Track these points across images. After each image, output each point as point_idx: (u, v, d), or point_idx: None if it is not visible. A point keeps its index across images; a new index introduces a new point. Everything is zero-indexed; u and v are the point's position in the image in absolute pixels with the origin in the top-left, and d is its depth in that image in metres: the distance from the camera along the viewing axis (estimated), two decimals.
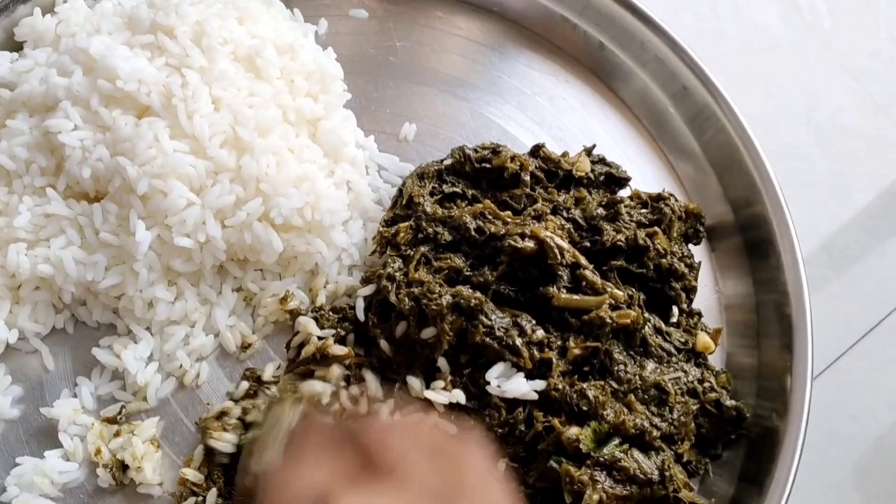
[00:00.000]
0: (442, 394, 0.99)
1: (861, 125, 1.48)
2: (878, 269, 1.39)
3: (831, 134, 1.46)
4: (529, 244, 1.03)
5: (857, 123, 1.48)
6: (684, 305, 1.10)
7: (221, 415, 1.01)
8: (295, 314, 1.07)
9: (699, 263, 1.13)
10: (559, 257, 1.02)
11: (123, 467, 0.99)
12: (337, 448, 0.62)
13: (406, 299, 1.03)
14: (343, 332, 1.07)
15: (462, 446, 0.70)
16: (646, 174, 1.24)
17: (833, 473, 1.26)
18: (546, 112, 1.27)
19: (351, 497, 0.57)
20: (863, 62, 1.52)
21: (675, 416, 1.01)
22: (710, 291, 1.18)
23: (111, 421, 1.01)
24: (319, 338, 1.05)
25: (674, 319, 1.10)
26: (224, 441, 0.99)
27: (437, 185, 1.13)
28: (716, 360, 1.12)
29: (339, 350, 1.04)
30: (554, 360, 1.01)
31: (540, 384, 1.00)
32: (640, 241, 1.06)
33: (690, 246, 1.16)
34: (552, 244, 1.03)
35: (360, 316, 1.07)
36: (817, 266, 1.33)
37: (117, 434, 1.00)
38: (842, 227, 1.42)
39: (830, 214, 1.42)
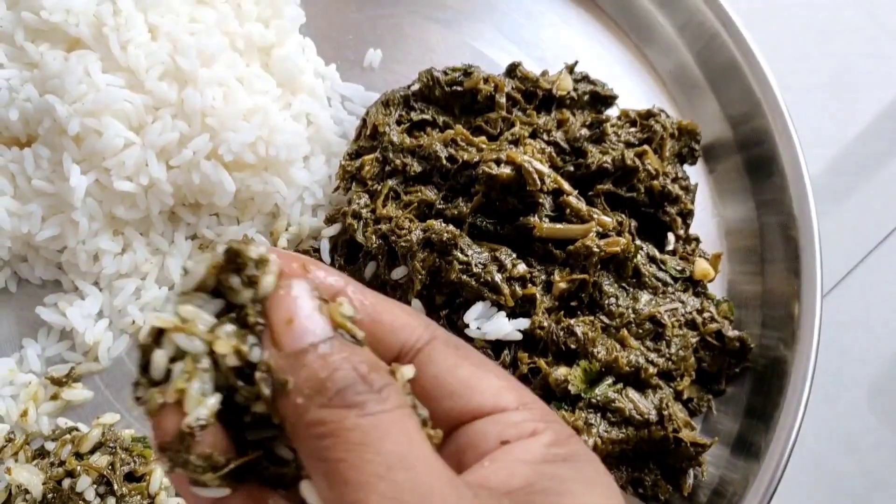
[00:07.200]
0: None
1: (863, 31, 1.37)
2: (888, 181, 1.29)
3: (833, 32, 1.35)
4: (506, 170, 0.93)
5: (858, 21, 1.36)
6: (681, 231, 1.01)
7: None
8: None
9: (696, 185, 1.03)
10: (539, 183, 0.93)
11: None
12: None
13: (374, 237, 0.94)
14: None
15: None
16: (634, 92, 1.13)
17: (847, 393, 1.16)
18: (523, 29, 1.15)
19: None
20: None
21: (672, 350, 0.92)
22: (709, 216, 1.09)
23: (57, 382, 0.93)
24: None
25: (670, 247, 1.01)
26: None
27: (404, 113, 1.03)
28: (717, 289, 1.03)
29: None
30: (538, 295, 0.92)
31: (524, 323, 0.91)
32: (629, 162, 0.96)
33: (686, 167, 1.07)
34: (531, 169, 0.93)
35: (326, 258, 0.98)
36: (821, 182, 1.23)
37: (54, 397, 0.92)
38: (849, 140, 1.31)
39: (836, 124, 1.31)
